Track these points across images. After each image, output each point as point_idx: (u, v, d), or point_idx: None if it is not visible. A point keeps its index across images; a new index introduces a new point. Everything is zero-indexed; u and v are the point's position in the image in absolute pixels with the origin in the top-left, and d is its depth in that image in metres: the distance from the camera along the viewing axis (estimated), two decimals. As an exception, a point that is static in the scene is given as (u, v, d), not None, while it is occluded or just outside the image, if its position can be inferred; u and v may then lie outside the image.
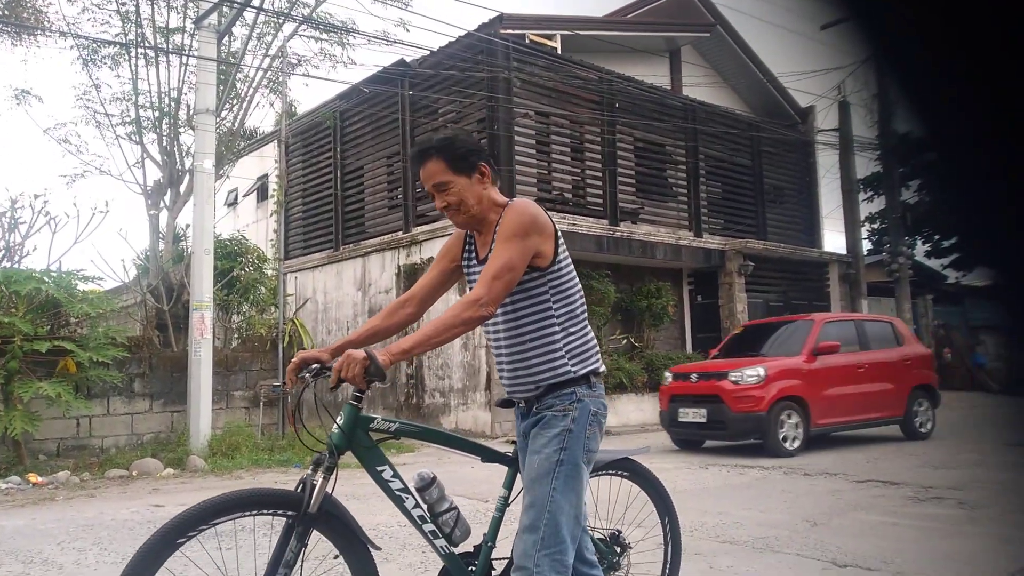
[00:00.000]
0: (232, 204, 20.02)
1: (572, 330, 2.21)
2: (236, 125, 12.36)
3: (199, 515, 2.00)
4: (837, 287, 17.87)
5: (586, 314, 2.28)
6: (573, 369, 2.17)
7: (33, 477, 7.25)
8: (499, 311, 2.20)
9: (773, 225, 17.01)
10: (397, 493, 2.21)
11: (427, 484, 2.30)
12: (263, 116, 42.47)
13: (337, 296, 14.35)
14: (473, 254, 2.35)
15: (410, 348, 2.04)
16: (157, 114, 11.15)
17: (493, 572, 2.37)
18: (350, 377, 1.95)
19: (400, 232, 13.20)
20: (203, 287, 8.81)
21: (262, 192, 18.57)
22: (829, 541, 4.47)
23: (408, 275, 12.58)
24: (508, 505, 2.39)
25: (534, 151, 12.73)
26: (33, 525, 5.27)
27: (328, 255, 14.86)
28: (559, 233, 2.24)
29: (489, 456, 2.43)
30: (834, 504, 5.65)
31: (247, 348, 10.96)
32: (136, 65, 11.24)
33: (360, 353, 1.96)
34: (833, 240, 18.84)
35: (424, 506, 2.28)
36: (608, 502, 2.78)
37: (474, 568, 2.32)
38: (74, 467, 7.86)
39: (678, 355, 14.01)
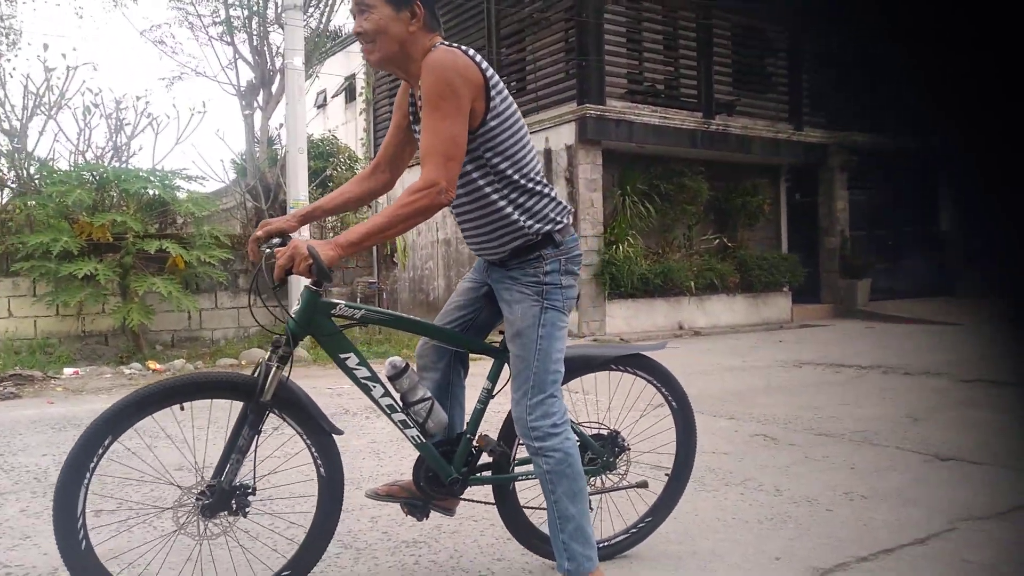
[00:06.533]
0: (321, 106, 20.23)
1: (523, 192, 2.05)
2: (323, 24, 12.30)
3: (153, 397, 1.99)
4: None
5: (540, 168, 2.12)
6: (531, 233, 2.06)
7: (152, 364, 7.79)
8: None
9: (885, 117, 15.84)
10: (363, 381, 2.12)
11: (399, 373, 2.18)
12: (348, 15, 42.18)
13: (426, 196, 14.42)
14: (418, 108, 2.12)
15: (359, 240, 1.90)
16: (246, 13, 11.19)
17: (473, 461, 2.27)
18: (299, 272, 1.85)
19: (487, 130, 12.99)
20: (298, 186, 8.99)
21: (350, 93, 18.64)
22: (932, 435, 4.32)
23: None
24: (492, 397, 2.26)
25: (624, 39, 12.15)
26: (155, 405, 5.69)
27: (417, 155, 14.85)
28: (492, 81, 1.97)
29: (474, 346, 2.29)
30: (939, 401, 5.43)
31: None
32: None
33: (303, 250, 1.83)
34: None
35: (396, 395, 2.19)
36: (610, 400, 2.59)
37: (453, 457, 2.24)
38: (188, 356, 8.40)
39: (773, 255, 13.56)
